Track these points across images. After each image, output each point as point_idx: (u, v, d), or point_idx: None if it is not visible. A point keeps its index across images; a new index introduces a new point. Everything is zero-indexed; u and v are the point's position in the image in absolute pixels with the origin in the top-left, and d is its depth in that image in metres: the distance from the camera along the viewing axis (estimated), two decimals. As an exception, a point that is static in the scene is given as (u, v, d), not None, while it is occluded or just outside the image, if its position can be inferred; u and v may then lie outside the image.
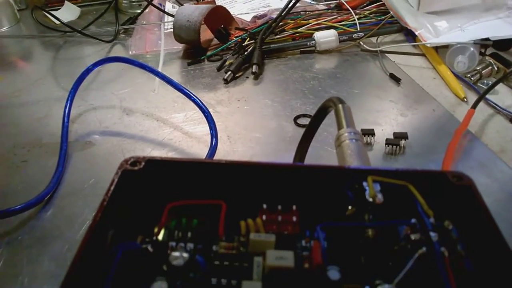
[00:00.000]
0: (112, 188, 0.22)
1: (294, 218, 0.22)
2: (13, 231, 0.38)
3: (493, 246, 0.20)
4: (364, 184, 0.23)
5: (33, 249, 0.36)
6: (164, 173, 0.23)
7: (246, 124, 0.51)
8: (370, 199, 0.22)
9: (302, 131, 0.50)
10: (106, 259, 0.20)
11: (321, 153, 0.45)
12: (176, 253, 0.19)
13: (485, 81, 0.56)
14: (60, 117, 0.50)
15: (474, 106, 0.50)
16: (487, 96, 0.52)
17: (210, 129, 0.46)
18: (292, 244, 0.21)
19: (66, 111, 0.50)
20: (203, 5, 0.65)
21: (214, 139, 0.45)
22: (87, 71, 0.52)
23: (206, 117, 0.47)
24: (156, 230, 0.21)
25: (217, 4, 0.73)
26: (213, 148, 0.44)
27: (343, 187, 0.23)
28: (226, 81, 0.58)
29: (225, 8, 0.67)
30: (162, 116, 0.52)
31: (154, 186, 0.23)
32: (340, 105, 0.31)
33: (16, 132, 0.51)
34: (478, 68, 0.57)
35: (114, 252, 0.20)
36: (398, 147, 0.45)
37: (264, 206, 0.22)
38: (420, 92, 0.56)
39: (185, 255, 0.19)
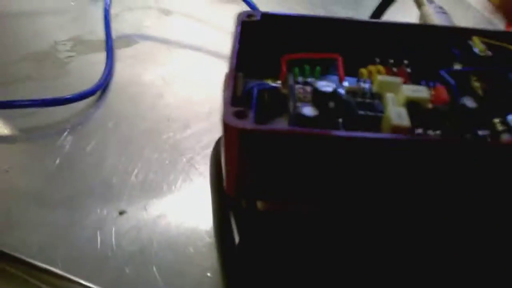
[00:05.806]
0: (237, 38, 0.22)
1: (408, 70, 0.23)
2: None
3: None
4: (470, 43, 0.24)
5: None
6: (279, 28, 0.24)
7: None
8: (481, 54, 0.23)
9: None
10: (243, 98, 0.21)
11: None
12: (323, 82, 0.20)
13: None
14: (94, 16, 0.51)
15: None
16: None
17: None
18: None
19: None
20: None
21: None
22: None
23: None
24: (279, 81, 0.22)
25: None
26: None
27: (447, 45, 0.24)
28: None
29: None
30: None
31: (269, 40, 0.24)
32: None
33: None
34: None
35: (249, 91, 0.21)
36: None
37: (377, 60, 0.23)
38: None
39: (331, 84, 0.20)
